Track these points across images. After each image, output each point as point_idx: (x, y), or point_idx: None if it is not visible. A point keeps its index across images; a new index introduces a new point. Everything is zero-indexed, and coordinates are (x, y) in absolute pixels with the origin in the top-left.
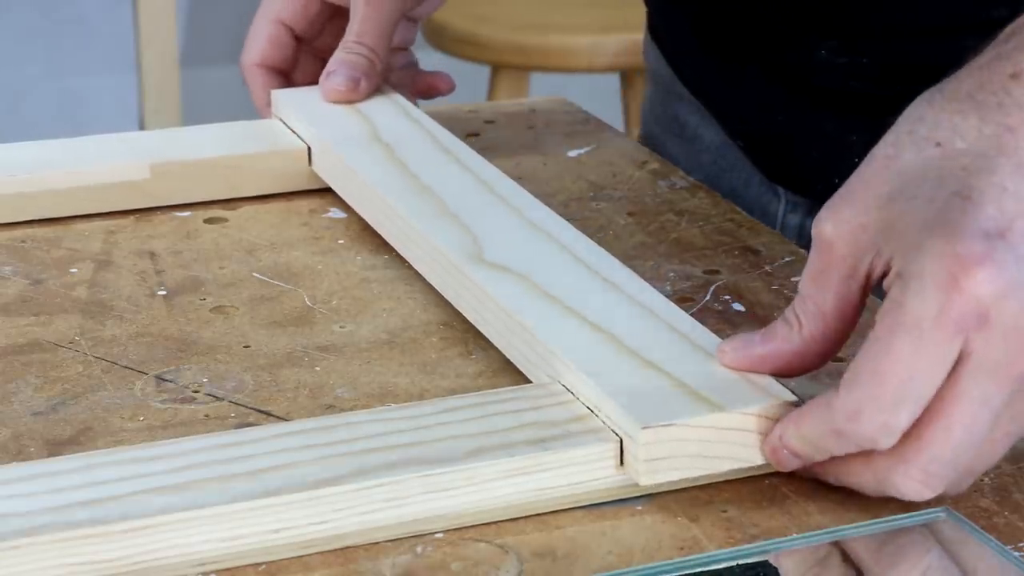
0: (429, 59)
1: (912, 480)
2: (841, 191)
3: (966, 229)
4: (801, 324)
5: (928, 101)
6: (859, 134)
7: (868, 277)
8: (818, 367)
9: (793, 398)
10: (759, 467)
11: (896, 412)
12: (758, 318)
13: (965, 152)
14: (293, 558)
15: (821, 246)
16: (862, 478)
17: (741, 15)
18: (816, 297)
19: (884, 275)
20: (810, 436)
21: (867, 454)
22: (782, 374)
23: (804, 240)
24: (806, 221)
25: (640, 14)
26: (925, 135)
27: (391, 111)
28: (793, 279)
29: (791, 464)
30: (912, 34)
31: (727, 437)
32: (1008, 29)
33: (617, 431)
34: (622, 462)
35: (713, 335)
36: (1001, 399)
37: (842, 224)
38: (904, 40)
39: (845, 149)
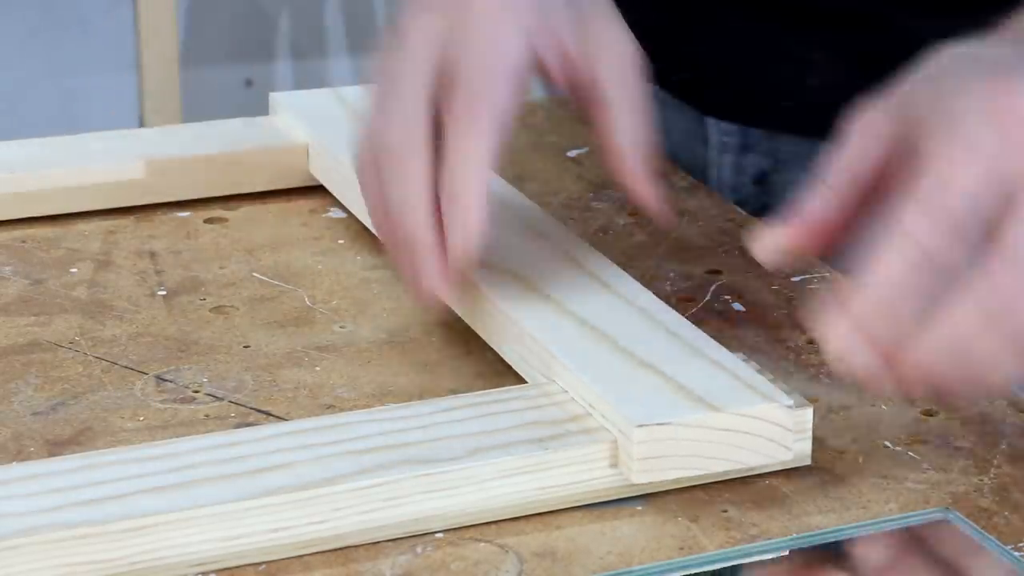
0: None
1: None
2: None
3: (1002, 72)
4: (837, 188)
5: (959, 49)
6: (824, 50)
7: (907, 154)
8: (841, 236)
9: (790, 402)
10: (753, 468)
11: (960, 203)
12: (758, 318)
13: (997, 57)
14: (293, 558)
15: (863, 124)
16: (960, 326)
17: None
18: (853, 167)
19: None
20: (889, 279)
21: (947, 307)
22: (814, 248)
23: (744, 176)
24: (741, 158)
25: None
26: (961, 55)
27: None
28: (793, 279)
29: (861, 353)
30: None
31: (722, 438)
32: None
33: (612, 430)
34: (618, 462)
35: (709, 337)
36: None
37: (883, 106)
38: None
39: (804, 72)
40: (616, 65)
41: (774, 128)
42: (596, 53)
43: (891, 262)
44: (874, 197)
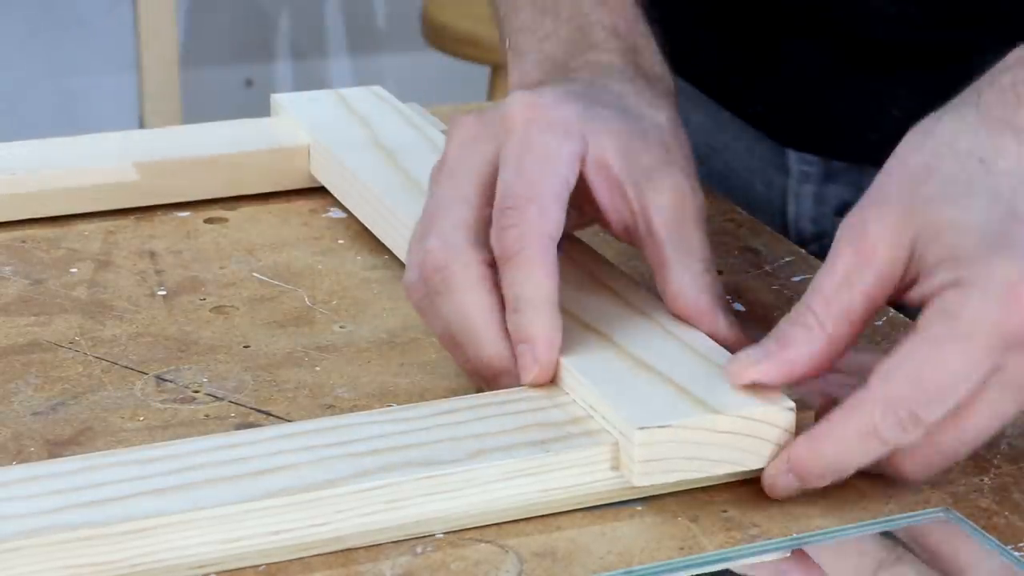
0: (429, 59)
1: (915, 467)
2: (874, 193)
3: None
4: (824, 326)
5: (960, 118)
6: (907, 83)
7: (901, 280)
8: (827, 371)
9: (790, 403)
10: (754, 471)
11: (931, 409)
12: (758, 318)
13: (1011, 172)
14: (293, 560)
15: (861, 245)
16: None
17: None
18: (845, 297)
19: (913, 281)
20: (838, 440)
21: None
22: (800, 381)
23: (826, 207)
24: (823, 188)
25: None
26: (966, 150)
27: (392, 117)
28: (793, 279)
29: (788, 490)
30: None
31: (723, 440)
32: (1017, 52)
33: (614, 432)
34: (619, 464)
35: (709, 339)
36: (1013, 414)
37: (886, 225)
38: None
39: (886, 103)
40: (669, 206)
41: (857, 160)
42: (646, 187)
43: (844, 427)
44: (866, 320)
